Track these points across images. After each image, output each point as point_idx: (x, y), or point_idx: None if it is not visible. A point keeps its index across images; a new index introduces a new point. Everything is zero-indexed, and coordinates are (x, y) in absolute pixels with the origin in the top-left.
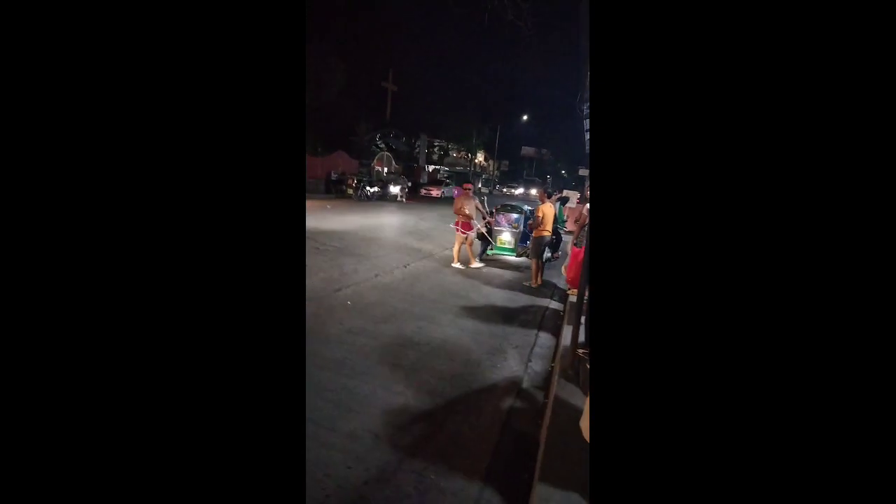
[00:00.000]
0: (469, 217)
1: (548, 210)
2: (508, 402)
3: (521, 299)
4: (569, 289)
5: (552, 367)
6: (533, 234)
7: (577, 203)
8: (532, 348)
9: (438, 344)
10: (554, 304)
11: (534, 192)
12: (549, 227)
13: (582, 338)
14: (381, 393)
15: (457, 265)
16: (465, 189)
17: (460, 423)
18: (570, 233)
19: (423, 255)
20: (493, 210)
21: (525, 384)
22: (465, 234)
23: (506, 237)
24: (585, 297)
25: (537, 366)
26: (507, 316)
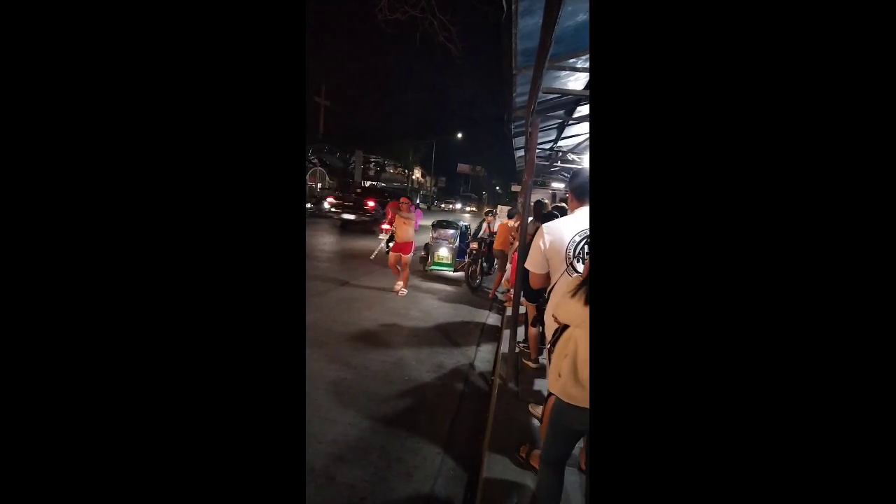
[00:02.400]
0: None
1: (502, 228)
2: (450, 418)
3: (462, 313)
4: (505, 301)
5: (492, 379)
6: (493, 248)
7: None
8: (473, 361)
9: (377, 367)
10: (492, 319)
11: (468, 208)
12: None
13: (520, 336)
14: (316, 423)
15: (398, 286)
16: (402, 203)
17: (400, 447)
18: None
19: (363, 273)
20: (432, 226)
21: (466, 400)
22: (406, 254)
23: (443, 252)
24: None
25: (478, 380)
26: (447, 331)
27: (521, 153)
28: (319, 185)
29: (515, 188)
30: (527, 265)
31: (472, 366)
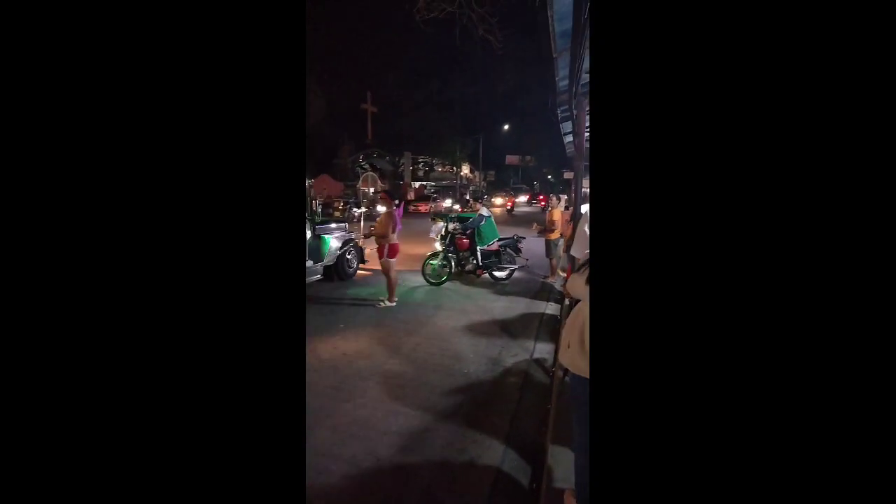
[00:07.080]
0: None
1: (556, 215)
2: (511, 410)
3: (519, 306)
4: (565, 292)
5: (553, 371)
6: (546, 237)
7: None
8: (532, 353)
9: (437, 360)
10: (550, 310)
11: (521, 199)
12: (559, 230)
13: None
14: (381, 415)
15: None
16: (382, 198)
17: (463, 438)
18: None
19: (416, 272)
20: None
21: (526, 392)
22: (380, 258)
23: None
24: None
25: (538, 372)
26: (505, 325)
27: (570, 138)
28: (372, 189)
29: (568, 175)
30: (573, 251)
31: (531, 357)
